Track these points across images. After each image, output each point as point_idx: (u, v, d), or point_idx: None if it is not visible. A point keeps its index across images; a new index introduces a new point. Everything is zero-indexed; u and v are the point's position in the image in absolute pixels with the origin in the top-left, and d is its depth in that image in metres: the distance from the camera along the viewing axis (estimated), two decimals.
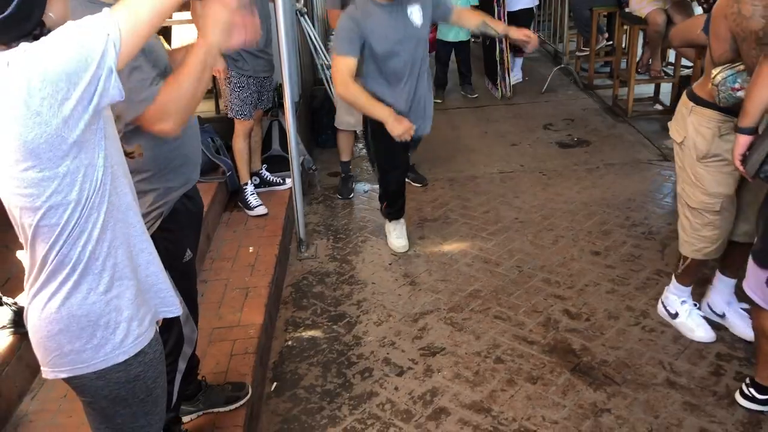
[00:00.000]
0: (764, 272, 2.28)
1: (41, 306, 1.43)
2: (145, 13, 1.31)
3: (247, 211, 3.98)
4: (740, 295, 2.79)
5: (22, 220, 1.36)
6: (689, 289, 3.03)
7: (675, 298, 3.04)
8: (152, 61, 1.81)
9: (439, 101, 6.27)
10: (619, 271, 3.51)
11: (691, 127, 2.64)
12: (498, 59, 6.10)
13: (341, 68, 3.26)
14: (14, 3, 1.27)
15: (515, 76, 6.49)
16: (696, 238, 2.81)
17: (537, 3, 6.31)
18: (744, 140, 2.32)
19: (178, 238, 2.03)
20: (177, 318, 1.94)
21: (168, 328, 2.00)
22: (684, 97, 2.73)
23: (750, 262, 2.39)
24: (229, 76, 3.68)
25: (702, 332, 2.96)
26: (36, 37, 1.31)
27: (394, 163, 3.66)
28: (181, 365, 2.15)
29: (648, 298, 3.27)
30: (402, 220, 3.89)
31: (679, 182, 2.84)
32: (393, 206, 3.83)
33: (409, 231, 3.98)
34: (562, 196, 4.37)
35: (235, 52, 3.60)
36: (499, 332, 3.09)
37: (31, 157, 1.26)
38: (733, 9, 2.30)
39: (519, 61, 6.52)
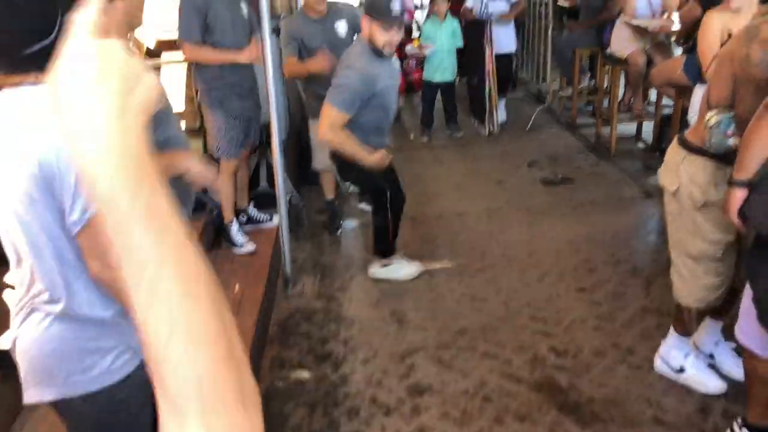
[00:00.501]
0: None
1: (33, 328, 1.45)
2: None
3: (234, 249, 3.97)
4: (727, 332, 2.79)
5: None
6: (690, 338, 2.93)
7: (677, 353, 2.91)
8: None
9: (425, 140, 6.34)
10: (605, 307, 3.53)
11: (685, 176, 2.56)
12: (486, 96, 6.21)
13: (335, 120, 3.35)
14: (56, 32, 1.30)
15: (501, 115, 6.59)
16: (698, 287, 2.69)
17: (514, 49, 6.43)
18: (740, 194, 2.23)
19: None
20: None
21: None
22: (675, 144, 2.67)
23: (745, 311, 2.32)
24: (216, 117, 3.71)
25: (714, 384, 2.83)
26: None
27: (389, 177, 3.72)
28: None
29: (634, 335, 3.28)
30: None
31: (674, 230, 2.74)
32: (396, 231, 3.86)
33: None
34: (548, 233, 4.40)
35: (221, 92, 3.65)
36: (486, 370, 3.08)
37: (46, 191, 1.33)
38: (742, 53, 2.24)
39: (503, 101, 6.63)
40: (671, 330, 2.95)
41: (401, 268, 3.90)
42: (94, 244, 1.38)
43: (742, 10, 3.59)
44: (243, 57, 3.56)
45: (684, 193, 2.60)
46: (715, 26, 3.68)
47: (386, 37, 3.34)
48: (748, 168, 2.19)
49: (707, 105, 2.43)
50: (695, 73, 3.96)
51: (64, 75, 0.58)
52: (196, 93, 4.02)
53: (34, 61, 1.34)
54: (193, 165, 1.92)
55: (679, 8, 4.97)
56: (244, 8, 3.73)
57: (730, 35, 3.65)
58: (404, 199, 3.84)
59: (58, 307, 1.45)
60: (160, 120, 1.94)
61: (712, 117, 2.36)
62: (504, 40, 6.25)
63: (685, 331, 2.90)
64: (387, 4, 3.29)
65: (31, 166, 1.32)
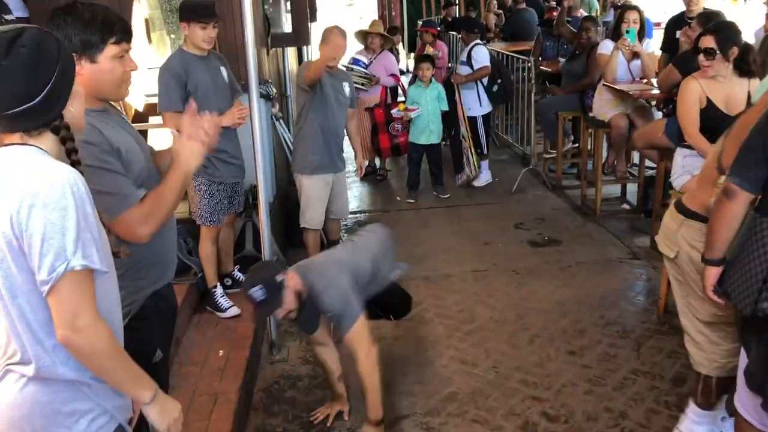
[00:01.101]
0: (758, 397, 2.21)
1: (6, 390, 1.43)
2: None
3: (218, 314, 3.90)
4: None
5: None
6: (715, 412, 2.75)
7: (701, 430, 2.74)
8: (127, 161, 1.87)
9: (411, 201, 6.37)
10: (595, 371, 3.47)
11: (684, 241, 2.54)
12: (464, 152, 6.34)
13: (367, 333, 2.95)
14: (41, 95, 1.39)
15: (484, 177, 6.66)
16: (717, 353, 2.58)
17: (478, 112, 6.55)
18: (714, 272, 2.27)
19: (147, 337, 1.98)
20: (146, 421, 1.86)
21: (137, 429, 1.91)
22: (672, 210, 2.64)
23: (741, 379, 2.27)
24: (199, 183, 3.69)
25: None
26: (55, 129, 1.44)
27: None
28: None
29: (626, 399, 3.22)
30: None
31: (681, 297, 2.68)
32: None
33: (382, 331, 3.93)
34: (536, 294, 4.37)
35: (205, 160, 3.62)
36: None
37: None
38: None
39: (485, 164, 6.70)
40: (691, 404, 2.77)
41: None
42: (61, 306, 1.37)
43: (717, 77, 3.70)
44: (225, 120, 3.53)
45: (684, 259, 2.56)
46: (693, 91, 3.79)
47: None
48: (715, 247, 2.24)
49: (719, 168, 2.36)
50: (676, 135, 4.04)
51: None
52: None
53: (18, 121, 1.40)
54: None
55: (657, 74, 5.10)
56: (224, 72, 3.77)
57: (708, 100, 3.75)
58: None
59: (29, 369, 1.43)
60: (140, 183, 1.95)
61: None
62: (468, 102, 6.43)
63: (708, 404, 2.71)
64: None
65: (2, 223, 1.34)
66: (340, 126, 4.47)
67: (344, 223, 5.58)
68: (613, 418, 3.09)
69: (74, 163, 1.47)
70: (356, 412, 3.21)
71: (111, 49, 1.84)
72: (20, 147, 1.41)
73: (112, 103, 2.10)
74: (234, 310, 3.90)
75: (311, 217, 4.46)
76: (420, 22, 11.73)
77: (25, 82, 1.38)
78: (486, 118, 6.63)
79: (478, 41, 6.57)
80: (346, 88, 4.47)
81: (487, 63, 6.37)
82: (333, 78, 4.36)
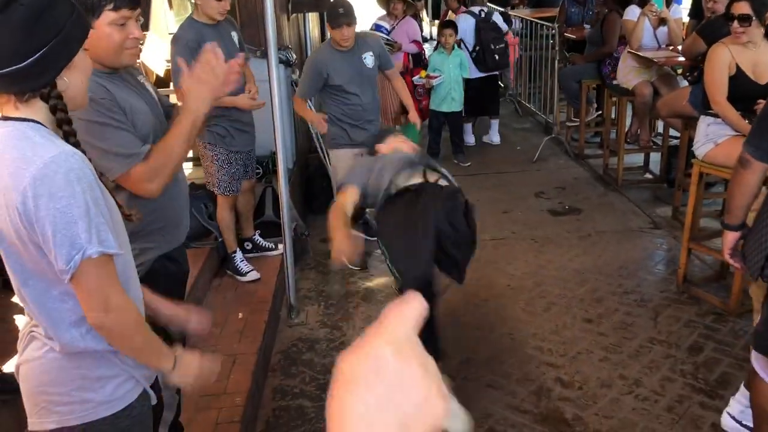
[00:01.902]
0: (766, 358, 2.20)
1: (34, 355, 1.45)
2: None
3: (239, 277, 3.96)
4: None
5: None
6: None
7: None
8: (132, 122, 1.87)
9: None
10: (611, 338, 3.48)
11: None
12: None
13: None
14: (30, 59, 1.32)
15: (492, 139, 6.67)
16: None
17: (476, 76, 6.52)
18: (731, 236, 2.32)
19: None
20: (157, 382, 1.91)
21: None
22: None
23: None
24: (218, 153, 3.71)
25: None
26: (44, 97, 1.36)
27: None
28: (162, 431, 2.09)
29: (641, 366, 3.23)
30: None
31: None
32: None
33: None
34: (554, 263, 4.37)
35: (222, 128, 3.65)
36: (491, 401, 3.04)
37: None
38: None
39: (495, 123, 6.68)
40: (742, 387, 2.65)
41: None
42: (86, 293, 1.37)
43: (748, 44, 3.61)
44: (240, 103, 3.55)
45: None
46: (722, 59, 3.70)
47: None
48: (733, 213, 2.28)
49: None
50: (701, 103, 3.96)
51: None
52: None
53: (3, 83, 1.35)
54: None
55: (684, 41, 4.99)
56: (235, 37, 3.71)
57: (738, 67, 3.67)
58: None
59: (53, 342, 1.44)
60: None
61: None
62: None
63: None
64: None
65: (9, 210, 1.32)
66: (366, 101, 4.25)
67: None
68: (627, 385, 3.10)
69: (66, 135, 1.42)
70: None
71: (108, 15, 1.80)
72: (18, 123, 1.36)
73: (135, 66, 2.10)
74: (254, 275, 3.96)
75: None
76: None
77: (15, 41, 1.31)
78: (482, 81, 6.62)
79: (465, 10, 6.75)
80: (369, 59, 4.22)
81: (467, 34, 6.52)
82: (350, 55, 4.15)
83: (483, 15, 6.67)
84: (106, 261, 1.37)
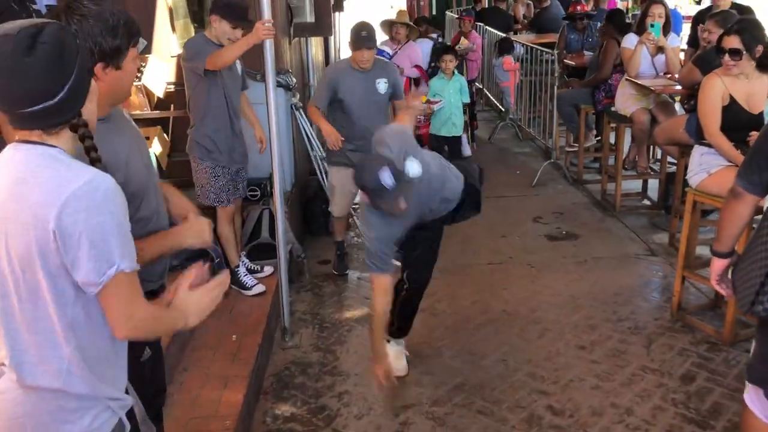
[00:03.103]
0: (759, 389, 2.17)
1: (8, 386, 1.44)
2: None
3: (244, 292, 3.99)
4: None
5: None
6: None
7: None
8: (125, 175, 1.88)
9: None
10: (604, 366, 3.47)
11: None
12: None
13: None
14: (62, 93, 1.37)
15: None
16: None
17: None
18: (718, 263, 2.32)
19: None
20: (134, 415, 1.91)
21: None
22: None
23: None
24: (205, 166, 3.78)
25: None
26: (73, 127, 1.43)
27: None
28: None
29: (633, 395, 3.22)
30: (402, 340, 3.60)
31: None
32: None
33: None
34: (550, 288, 4.37)
35: (210, 142, 3.73)
36: (481, 428, 3.03)
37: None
38: None
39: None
40: None
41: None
42: (115, 306, 1.43)
43: (740, 75, 3.65)
44: (259, 34, 3.39)
45: None
46: (715, 89, 3.74)
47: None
48: (722, 240, 2.28)
49: None
50: (695, 132, 3.99)
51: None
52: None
53: (38, 120, 1.39)
54: (187, 239, 2.01)
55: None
56: (238, 65, 3.87)
57: (731, 97, 3.71)
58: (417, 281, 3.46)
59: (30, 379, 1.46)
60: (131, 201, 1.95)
61: None
62: None
63: None
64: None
65: (38, 226, 1.34)
66: (371, 126, 4.09)
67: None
68: (619, 414, 3.09)
69: (93, 161, 1.46)
70: (363, 399, 3.27)
71: (132, 53, 1.85)
72: (47, 147, 1.40)
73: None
74: (259, 288, 4.02)
75: (334, 204, 4.60)
76: (449, 12, 11.70)
77: (46, 79, 1.35)
78: None
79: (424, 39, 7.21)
80: (382, 85, 4.33)
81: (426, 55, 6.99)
82: (365, 76, 4.28)
83: (440, 39, 7.35)
84: (134, 276, 1.45)
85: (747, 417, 2.27)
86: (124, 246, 1.40)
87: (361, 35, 4.18)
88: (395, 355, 3.46)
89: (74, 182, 1.35)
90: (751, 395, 2.24)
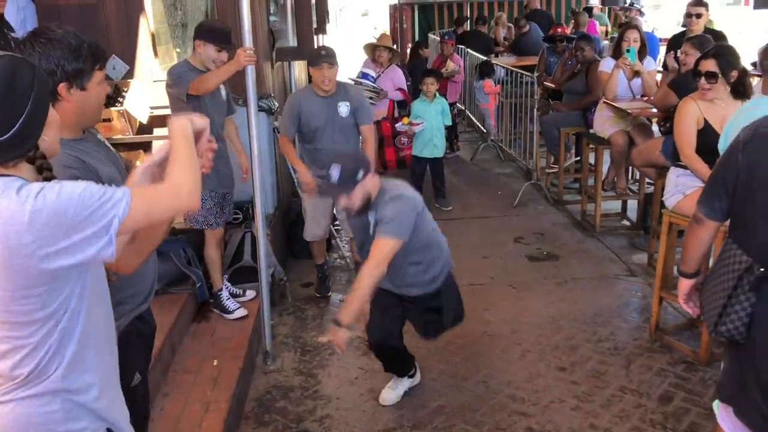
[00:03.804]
0: (729, 407, 2.21)
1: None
2: (155, 213, 1.47)
3: (226, 315, 3.99)
4: None
5: None
6: None
7: None
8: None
9: None
10: (584, 387, 3.51)
11: None
12: None
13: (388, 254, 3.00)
14: (15, 128, 1.35)
15: None
16: None
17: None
18: (686, 284, 2.36)
19: (128, 362, 2.01)
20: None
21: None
22: None
23: None
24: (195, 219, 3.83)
25: None
26: (30, 159, 1.40)
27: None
28: None
29: (612, 416, 3.25)
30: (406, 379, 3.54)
31: None
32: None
33: None
34: (531, 309, 4.41)
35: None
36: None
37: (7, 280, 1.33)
38: None
39: None
40: None
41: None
42: (143, 210, 1.41)
43: (715, 99, 3.74)
44: (240, 60, 3.46)
45: None
46: (690, 113, 3.82)
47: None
48: (686, 262, 2.33)
49: None
50: (671, 154, 4.07)
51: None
52: None
53: None
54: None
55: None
56: (223, 91, 3.91)
57: (705, 121, 3.80)
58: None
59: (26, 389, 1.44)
60: None
61: None
62: None
63: None
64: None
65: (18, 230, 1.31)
66: (333, 147, 4.23)
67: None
68: None
69: None
70: (337, 416, 3.27)
71: (98, 75, 1.88)
72: (4, 178, 1.37)
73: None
74: (241, 312, 4.02)
75: (308, 230, 4.59)
76: (431, 35, 11.83)
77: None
78: None
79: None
80: (343, 108, 4.29)
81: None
82: (327, 100, 4.24)
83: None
84: (135, 202, 1.38)
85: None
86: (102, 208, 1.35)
87: (320, 53, 4.19)
88: (392, 387, 3.48)
89: (29, 199, 1.31)
90: (721, 413, 2.28)
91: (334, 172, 2.92)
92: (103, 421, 1.53)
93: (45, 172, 1.43)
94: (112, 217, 1.34)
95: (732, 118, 3.12)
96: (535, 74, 6.99)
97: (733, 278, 2.02)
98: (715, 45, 4.02)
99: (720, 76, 3.65)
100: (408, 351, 3.50)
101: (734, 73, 3.65)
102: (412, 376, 3.54)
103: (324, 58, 4.16)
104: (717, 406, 2.27)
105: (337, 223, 5.26)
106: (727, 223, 2.18)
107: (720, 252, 2.18)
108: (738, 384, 2.11)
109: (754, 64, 4.68)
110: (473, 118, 9.51)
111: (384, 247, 2.96)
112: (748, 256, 1.98)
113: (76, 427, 1.48)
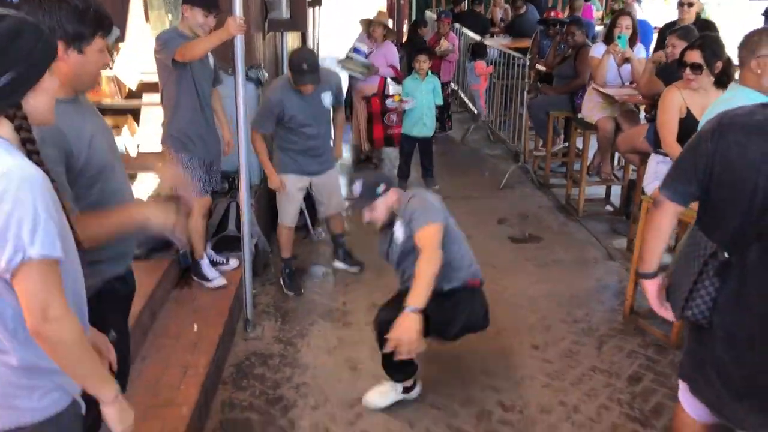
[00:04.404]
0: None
1: None
2: (29, 296, 1.43)
3: (205, 283, 4.03)
4: None
5: None
6: None
7: None
8: (88, 151, 1.95)
9: None
10: (555, 365, 3.59)
11: None
12: None
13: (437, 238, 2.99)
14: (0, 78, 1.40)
15: None
16: None
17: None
18: (651, 286, 2.31)
19: (100, 318, 2.05)
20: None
21: (87, 403, 2.02)
22: None
23: None
24: (181, 157, 3.82)
25: None
26: (9, 117, 1.44)
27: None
28: None
29: (581, 394, 3.34)
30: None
31: None
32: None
33: (356, 316, 4.06)
34: (510, 289, 4.48)
35: (185, 136, 3.78)
36: (432, 421, 3.12)
37: None
38: None
39: None
40: None
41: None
42: (27, 296, 1.41)
43: (699, 89, 3.78)
44: (230, 30, 3.42)
45: None
46: (674, 102, 3.87)
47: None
48: (645, 259, 2.30)
49: None
50: (654, 141, 4.12)
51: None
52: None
53: None
54: (152, 214, 2.02)
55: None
56: (211, 59, 3.91)
57: (688, 110, 3.84)
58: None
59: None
60: (97, 178, 2.01)
61: None
62: None
63: None
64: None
65: None
66: (320, 135, 4.34)
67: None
68: (566, 411, 3.21)
69: (30, 153, 1.48)
70: (320, 395, 3.34)
71: (98, 43, 1.91)
72: None
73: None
74: (220, 281, 4.06)
75: (283, 212, 4.48)
76: (428, 11, 11.78)
77: None
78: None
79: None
80: (327, 99, 4.26)
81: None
82: (309, 96, 4.13)
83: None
84: (49, 267, 1.41)
85: (678, 411, 2.40)
86: (41, 233, 1.38)
87: (303, 69, 3.95)
88: (381, 392, 3.27)
89: None
90: (681, 390, 2.37)
91: (357, 187, 3.22)
92: (58, 382, 1.56)
93: (23, 132, 1.47)
94: (12, 253, 1.37)
95: (710, 109, 3.17)
96: (528, 57, 7.00)
97: (699, 263, 2.08)
98: (701, 35, 4.05)
99: (705, 67, 3.69)
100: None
101: (719, 64, 3.70)
102: (408, 390, 3.27)
103: (307, 77, 3.98)
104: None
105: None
106: (692, 214, 2.22)
107: (686, 238, 2.24)
108: (697, 364, 2.19)
109: None
110: (465, 99, 9.52)
111: (427, 235, 2.97)
112: (713, 242, 2.04)
113: (37, 383, 1.53)
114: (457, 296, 3.15)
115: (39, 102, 1.49)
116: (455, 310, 3.14)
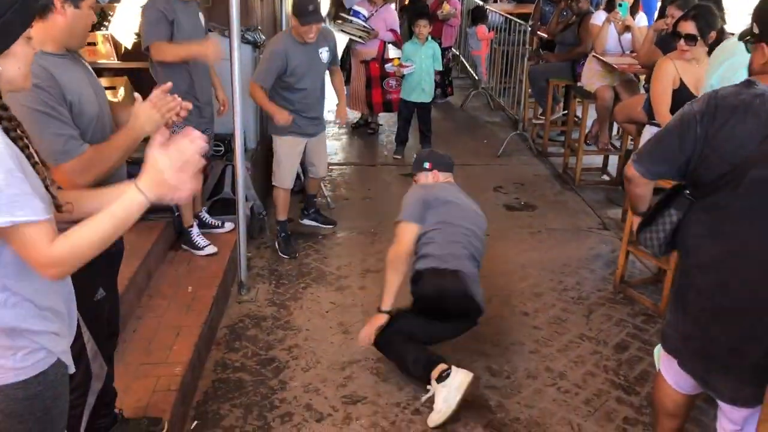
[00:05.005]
0: (673, 359, 2.31)
1: None
2: (22, 251, 1.45)
3: (195, 252, 4.05)
4: None
5: None
6: None
7: None
8: (79, 108, 1.97)
9: (398, 157, 6.46)
10: (544, 332, 3.64)
11: None
12: None
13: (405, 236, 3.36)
14: None
15: None
16: None
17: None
18: (636, 220, 2.33)
19: (88, 276, 2.07)
20: (85, 352, 2.00)
21: (76, 361, 2.06)
22: None
23: None
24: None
25: None
26: None
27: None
28: (90, 399, 2.20)
29: (568, 360, 3.39)
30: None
31: None
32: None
33: (350, 280, 4.11)
34: (502, 257, 4.51)
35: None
36: (420, 384, 3.18)
37: None
38: None
39: None
40: None
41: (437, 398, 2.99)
42: (24, 255, 1.43)
43: (693, 60, 3.76)
44: (208, 51, 3.57)
45: None
46: (667, 73, 3.85)
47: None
48: (637, 206, 2.33)
49: None
50: (650, 112, 4.11)
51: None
52: None
53: None
54: (142, 121, 2.05)
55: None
56: (201, 18, 3.88)
57: (681, 81, 3.83)
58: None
59: None
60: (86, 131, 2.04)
61: None
62: None
63: None
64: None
65: None
66: (315, 94, 4.40)
67: (329, 174, 5.72)
68: (552, 377, 3.27)
69: (6, 131, 1.45)
70: (315, 359, 3.40)
71: None
72: None
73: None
74: (210, 249, 4.06)
75: (281, 176, 4.49)
76: None
77: None
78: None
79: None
80: (324, 54, 4.33)
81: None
82: (309, 48, 4.22)
83: None
84: (36, 226, 1.42)
85: (659, 382, 2.44)
86: (7, 200, 1.37)
87: (308, 9, 4.04)
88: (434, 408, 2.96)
89: None
90: (664, 362, 2.40)
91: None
92: (40, 344, 1.58)
93: None
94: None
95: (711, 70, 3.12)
96: (530, 23, 6.93)
97: (665, 196, 2.13)
98: (695, 5, 4.00)
99: (699, 38, 3.67)
100: (414, 343, 3.18)
101: (713, 35, 3.67)
102: (443, 378, 2.96)
103: (312, 16, 4.06)
104: (659, 352, 2.39)
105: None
106: None
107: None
108: (681, 336, 2.22)
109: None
110: (466, 65, 9.45)
111: (397, 231, 3.40)
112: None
113: (19, 344, 1.54)
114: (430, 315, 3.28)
115: (9, 67, 1.46)
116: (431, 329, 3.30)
